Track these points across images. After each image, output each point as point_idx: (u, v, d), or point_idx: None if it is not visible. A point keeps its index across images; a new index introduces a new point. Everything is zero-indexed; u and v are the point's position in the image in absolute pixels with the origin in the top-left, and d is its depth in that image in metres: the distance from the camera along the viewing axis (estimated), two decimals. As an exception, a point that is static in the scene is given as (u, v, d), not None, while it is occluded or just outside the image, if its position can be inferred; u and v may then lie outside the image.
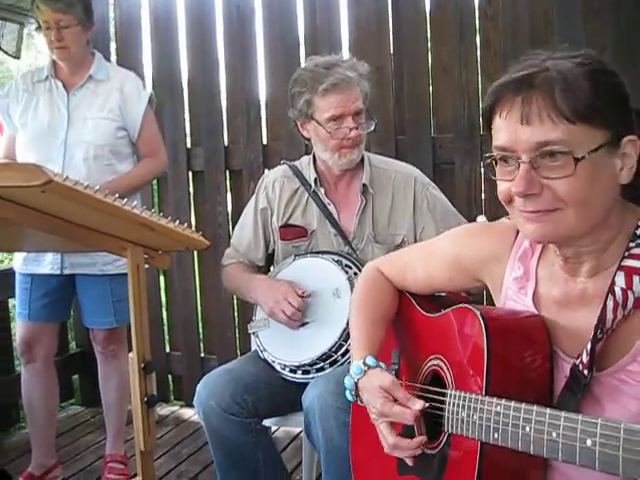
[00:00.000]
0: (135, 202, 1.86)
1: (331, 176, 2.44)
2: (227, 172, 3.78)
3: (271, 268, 2.56)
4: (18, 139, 2.94)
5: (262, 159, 3.65)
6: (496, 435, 1.16)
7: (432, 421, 1.38)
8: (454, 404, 1.29)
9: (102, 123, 2.89)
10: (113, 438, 3.15)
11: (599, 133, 1.13)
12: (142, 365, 1.97)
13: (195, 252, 3.80)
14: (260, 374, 2.32)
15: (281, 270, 2.43)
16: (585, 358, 1.17)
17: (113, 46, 4.04)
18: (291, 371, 2.30)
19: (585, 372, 1.17)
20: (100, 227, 1.89)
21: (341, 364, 2.21)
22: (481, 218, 2.07)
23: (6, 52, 3.66)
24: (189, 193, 3.90)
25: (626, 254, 1.18)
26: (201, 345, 4.01)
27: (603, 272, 1.22)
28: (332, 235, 2.42)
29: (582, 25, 2.97)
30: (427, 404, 1.36)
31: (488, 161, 1.21)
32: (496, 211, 1.15)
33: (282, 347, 2.33)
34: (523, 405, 1.12)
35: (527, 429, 1.09)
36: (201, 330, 4.00)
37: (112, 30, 3.99)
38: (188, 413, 3.90)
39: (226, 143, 3.77)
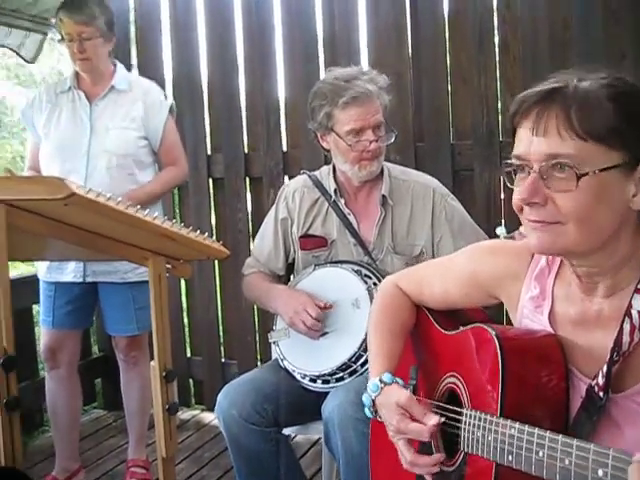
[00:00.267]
0: (157, 213, 1.89)
1: (351, 187, 2.46)
2: (247, 179, 3.80)
3: (291, 277, 2.59)
4: (42, 149, 2.99)
5: (282, 166, 3.66)
6: (510, 458, 1.17)
7: (449, 439, 1.40)
8: (470, 424, 1.30)
9: (124, 133, 2.93)
10: (135, 443, 3.20)
11: (615, 154, 1.13)
12: (164, 374, 2.01)
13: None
14: (280, 383, 2.35)
15: (301, 280, 2.45)
16: (601, 380, 1.18)
17: (134, 52, 4.08)
18: (311, 380, 2.32)
19: (600, 394, 1.17)
20: (122, 237, 1.93)
21: (360, 374, 2.23)
22: (500, 230, 2.07)
23: (23, 58, 3.71)
24: (209, 200, 3.92)
25: None
26: (222, 350, 4.04)
27: (619, 293, 1.22)
28: (352, 245, 2.44)
29: (602, 31, 2.95)
30: (442, 419, 1.37)
31: (507, 169, 1.23)
32: (515, 218, 1.18)
33: (302, 357, 2.36)
34: (536, 430, 1.12)
35: (540, 454, 1.10)
36: (222, 335, 4.03)
37: (132, 37, 4.02)
38: (209, 417, 3.93)
39: (246, 150, 3.79)
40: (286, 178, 3.65)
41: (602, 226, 1.16)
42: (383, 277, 2.28)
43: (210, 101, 3.86)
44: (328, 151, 2.46)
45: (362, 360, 2.21)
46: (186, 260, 2.11)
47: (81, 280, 2.95)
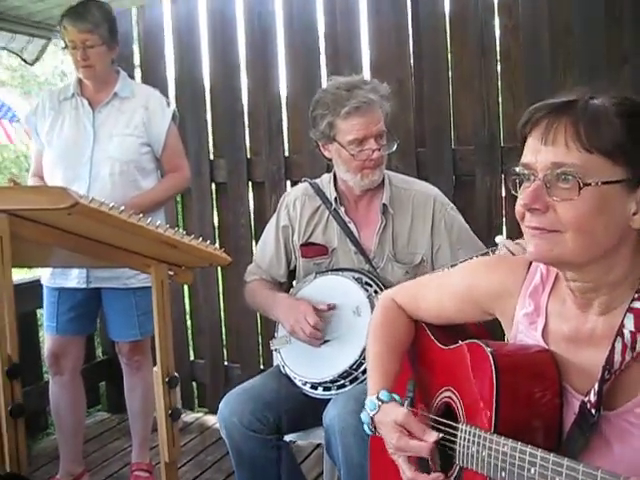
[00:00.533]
0: (159, 219, 1.90)
1: (352, 195, 2.48)
2: (250, 183, 3.82)
3: (293, 283, 2.61)
4: (45, 156, 3.01)
5: (284, 171, 3.68)
6: (504, 474, 1.18)
7: (445, 453, 1.41)
8: (465, 439, 1.32)
9: (127, 139, 2.95)
10: (139, 447, 3.22)
11: (619, 170, 1.15)
12: (166, 380, 2.02)
13: (218, 264, 3.85)
14: (281, 390, 2.37)
15: (302, 288, 2.47)
16: (593, 397, 1.19)
17: (137, 57, 4.10)
18: (312, 387, 2.35)
19: (593, 411, 1.19)
20: (125, 245, 1.94)
21: (361, 381, 2.24)
22: (499, 238, 2.08)
23: (24, 60, 3.73)
24: (212, 204, 3.94)
25: (636, 296, 1.20)
26: (225, 353, 4.06)
27: (613, 311, 1.23)
28: (353, 253, 2.45)
29: (603, 36, 2.96)
30: (441, 435, 1.39)
31: (513, 177, 1.24)
32: (517, 224, 1.19)
33: (303, 364, 2.38)
34: (529, 448, 1.14)
35: (532, 471, 1.11)
36: (225, 338, 4.05)
37: (135, 44, 4.04)
38: (212, 420, 3.95)
39: (248, 155, 3.81)
40: (288, 183, 3.68)
41: (600, 239, 1.17)
42: (384, 285, 2.31)
43: (213, 106, 3.88)
44: (330, 160, 2.47)
45: (363, 367, 2.23)
46: (188, 267, 2.13)
47: (84, 286, 2.97)
